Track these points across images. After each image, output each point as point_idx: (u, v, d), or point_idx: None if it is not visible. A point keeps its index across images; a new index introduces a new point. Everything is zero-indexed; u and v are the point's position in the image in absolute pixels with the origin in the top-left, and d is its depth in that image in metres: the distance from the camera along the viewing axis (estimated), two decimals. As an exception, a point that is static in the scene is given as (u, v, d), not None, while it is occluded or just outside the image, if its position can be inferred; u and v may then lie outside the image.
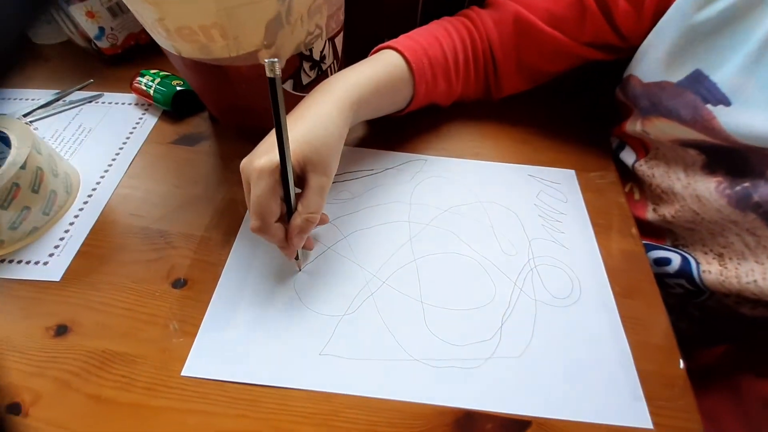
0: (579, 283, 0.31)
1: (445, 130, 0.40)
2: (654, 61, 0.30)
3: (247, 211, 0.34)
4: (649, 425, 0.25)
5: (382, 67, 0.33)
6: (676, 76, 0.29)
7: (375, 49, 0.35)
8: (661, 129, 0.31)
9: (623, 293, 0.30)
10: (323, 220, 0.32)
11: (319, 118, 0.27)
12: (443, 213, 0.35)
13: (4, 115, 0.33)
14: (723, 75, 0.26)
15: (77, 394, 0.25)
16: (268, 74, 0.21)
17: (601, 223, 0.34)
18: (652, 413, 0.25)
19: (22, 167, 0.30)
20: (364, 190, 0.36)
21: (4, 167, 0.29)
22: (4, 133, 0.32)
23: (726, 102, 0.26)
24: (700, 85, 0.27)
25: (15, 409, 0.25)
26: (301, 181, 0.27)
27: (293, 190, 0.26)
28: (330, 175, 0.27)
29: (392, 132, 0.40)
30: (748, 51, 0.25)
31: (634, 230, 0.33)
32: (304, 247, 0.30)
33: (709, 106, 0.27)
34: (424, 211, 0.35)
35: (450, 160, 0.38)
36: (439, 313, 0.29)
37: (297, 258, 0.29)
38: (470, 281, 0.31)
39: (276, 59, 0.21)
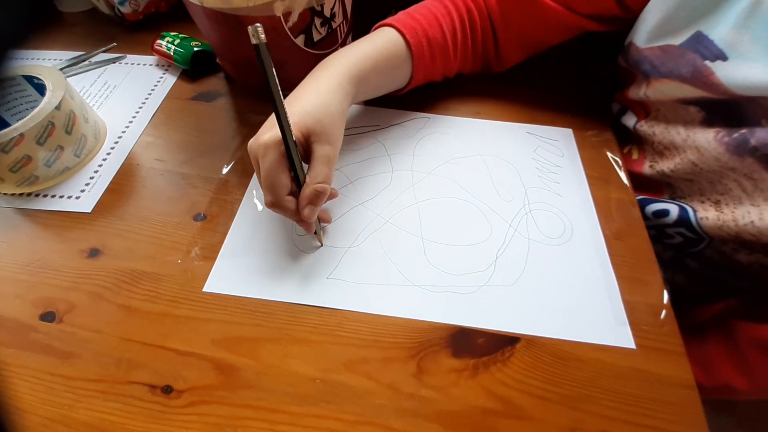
0: (571, 225, 0.33)
1: (447, 92, 0.42)
2: (655, 27, 0.32)
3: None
4: (632, 346, 0.27)
5: (382, 44, 0.33)
6: (678, 39, 0.30)
7: (376, 25, 0.36)
8: (662, 91, 0.33)
9: (613, 235, 0.32)
10: (333, 195, 0.31)
11: (318, 92, 0.28)
12: (444, 164, 0.37)
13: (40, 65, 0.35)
14: (719, 32, 0.28)
15: (109, 304, 0.28)
16: (253, 41, 0.20)
17: (595, 175, 0.36)
18: (635, 336, 0.27)
19: (57, 108, 0.32)
20: (370, 142, 0.38)
21: (41, 105, 0.32)
22: (40, 80, 0.34)
23: (723, 57, 0.28)
24: (699, 44, 0.29)
25: (49, 317, 0.28)
26: (308, 153, 0.27)
27: (298, 160, 0.25)
28: (335, 145, 0.27)
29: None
30: (741, 8, 0.27)
31: (626, 181, 0.35)
32: (321, 221, 0.30)
33: (707, 62, 0.28)
34: (426, 161, 0.37)
35: (452, 119, 0.40)
36: (437, 248, 0.31)
37: (316, 233, 0.29)
38: (468, 222, 0.33)
39: (259, 25, 0.20)
